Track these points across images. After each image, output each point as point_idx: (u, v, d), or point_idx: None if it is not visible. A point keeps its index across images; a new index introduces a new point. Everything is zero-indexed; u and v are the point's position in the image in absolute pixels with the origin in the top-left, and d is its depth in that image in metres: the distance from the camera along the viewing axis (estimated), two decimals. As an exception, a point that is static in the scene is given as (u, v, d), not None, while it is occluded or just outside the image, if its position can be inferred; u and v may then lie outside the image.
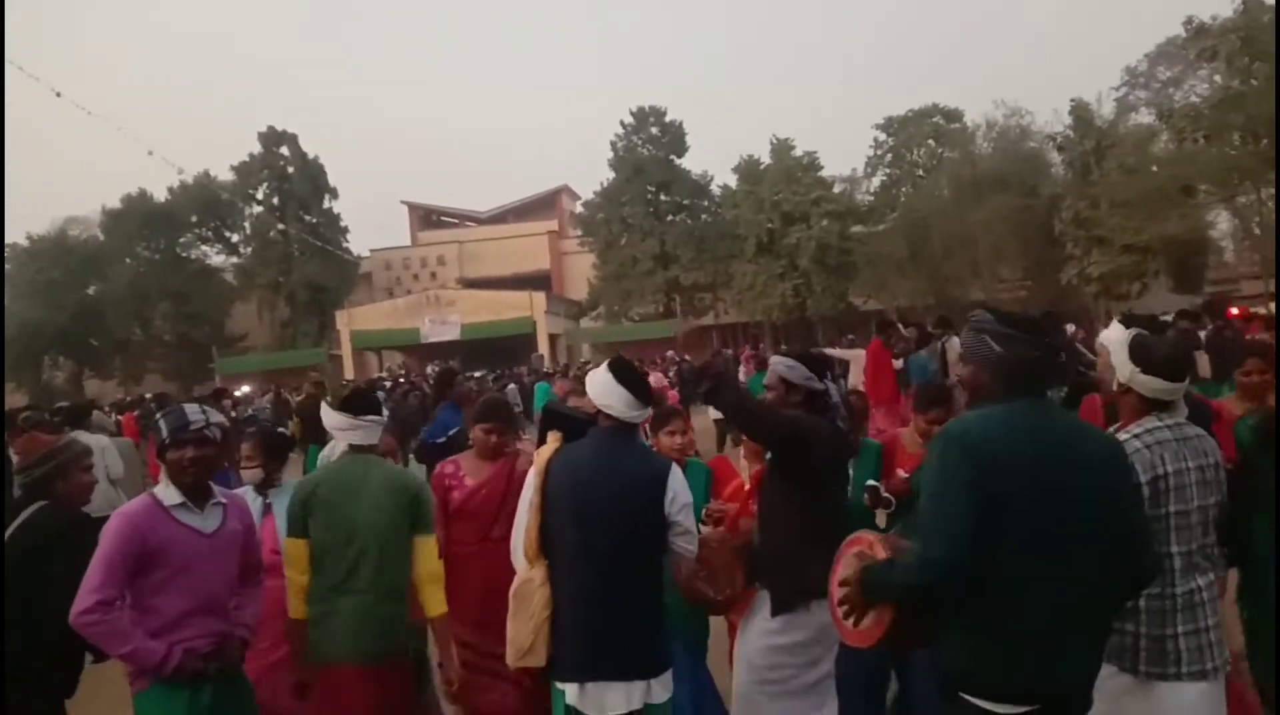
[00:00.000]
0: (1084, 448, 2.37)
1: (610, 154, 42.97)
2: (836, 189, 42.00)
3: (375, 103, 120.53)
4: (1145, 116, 33.06)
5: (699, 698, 3.95)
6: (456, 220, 58.73)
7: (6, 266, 38.15)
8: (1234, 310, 12.86)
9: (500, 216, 57.10)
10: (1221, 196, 29.21)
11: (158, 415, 3.25)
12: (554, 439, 3.32)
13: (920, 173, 42.83)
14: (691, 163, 43.22)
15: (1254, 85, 25.51)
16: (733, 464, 4.40)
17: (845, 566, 2.65)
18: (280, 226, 43.28)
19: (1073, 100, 36.33)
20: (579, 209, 48.63)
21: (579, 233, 46.53)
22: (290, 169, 44.53)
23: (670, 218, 42.73)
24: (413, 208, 56.47)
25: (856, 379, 11.15)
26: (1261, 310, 17.07)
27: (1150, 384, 2.83)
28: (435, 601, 3.53)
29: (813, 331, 37.91)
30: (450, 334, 37.90)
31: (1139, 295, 34.09)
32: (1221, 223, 36.11)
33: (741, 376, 16.82)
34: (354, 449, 3.59)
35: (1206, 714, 2.75)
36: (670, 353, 23.63)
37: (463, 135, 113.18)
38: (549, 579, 3.14)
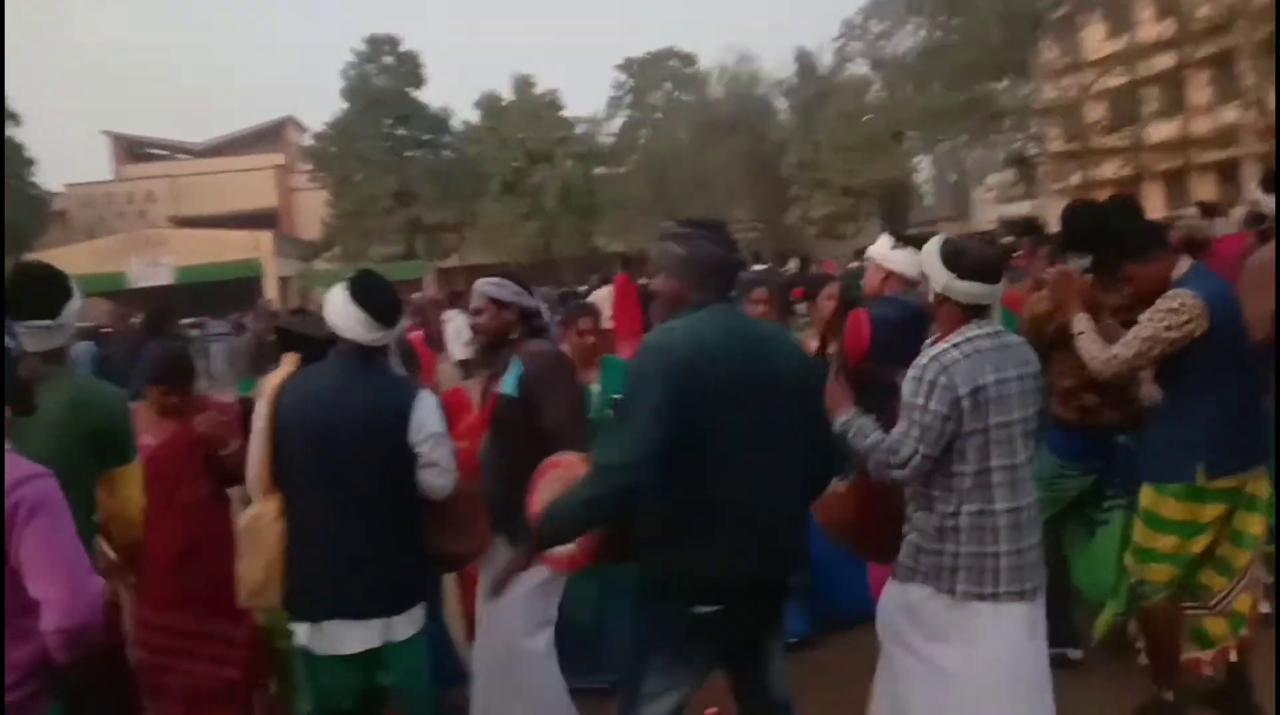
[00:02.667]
0: (770, 349, 2.51)
1: (342, 84, 40.56)
2: (579, 130, 42.13)
3: (68, 21, 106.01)
4: (861, 67, 35.64)
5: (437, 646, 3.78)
6: (167, 153, 53.33)
7: None
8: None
9: (217, 149, 52.40)
10: (926, 142, 32.05)
11: None
12: (289, 361, 3.07)
13: (659, 115, 43.80)
14: (430, 96, 41.72)
15: (954, 39, 27.98)
16: (468, 396, 4.09)
17: (546, 490, 2.63)
18: (-50, 156, 37.34)
19: (797, 48, 38.55)
20: (308, 142, 45.55)
21: (309, 167, 43.69)
22: (-40, 91, 38.40)
23: (410, 153, 41.04)
24: (116, 138, 50.47)
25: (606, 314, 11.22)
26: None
27: (968, 289, 2.71)
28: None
29: (558, 273, 38.04)
30: (163, 277, 34.49)
31: (854, 235, 36.98)
32: (924, 169, 39.93)
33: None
34: (30, 356, 2.84)
35: (1024, 634, 2.72)
36: (418, 295, 22.85)
37: (169, 60, 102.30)
38: (282, 513, 2.94)
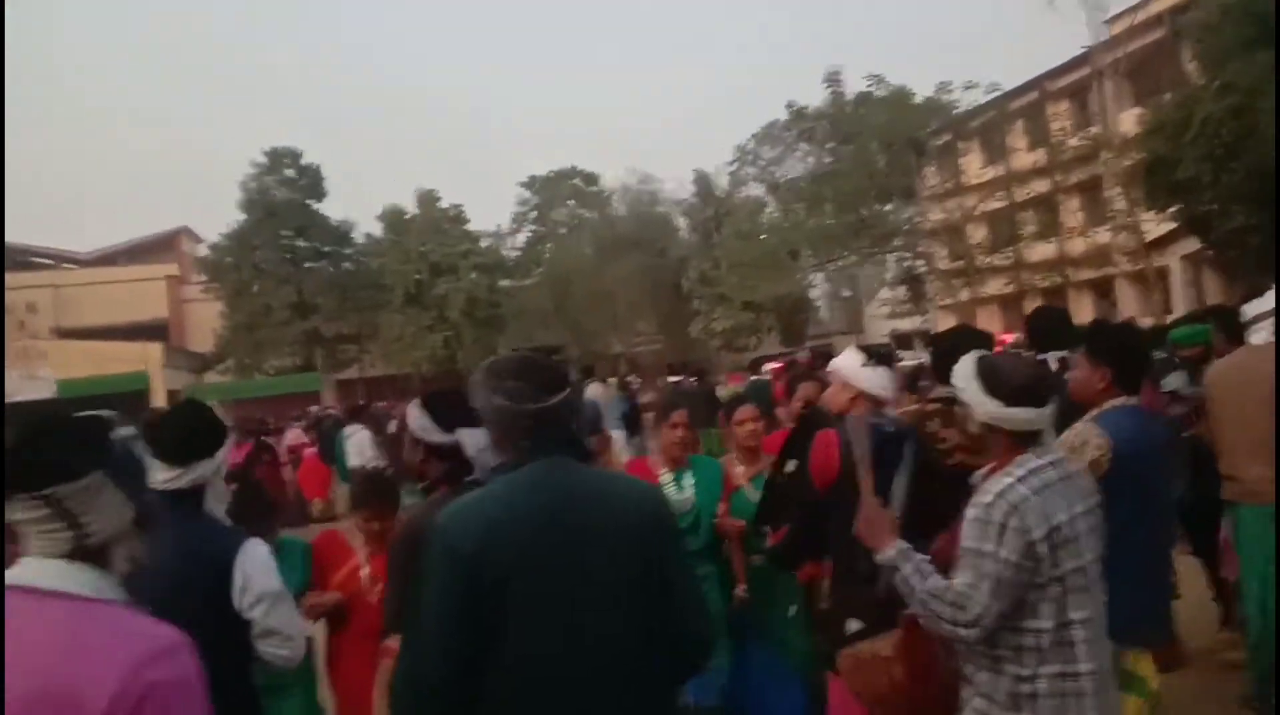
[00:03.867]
0: (598, 510, 1.97)
1: (240, 195, 40.14)
2: (483, 243, 42.56)
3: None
4: (755, 189, 37.27)
5: None
6: (52, 261, 51.38)
7: None
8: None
9: (108, 258, 50.75)
10: (819, 261, 33.29)
11: None
12: None
13: (563, 230, 44.67)
14: (331, 209, 41.56)
15: (842, 165, 29.46)
16: (346, 540, 3.61)
17: (381, 685, 2.24)
18: None
19: (695, 171, 40.22)
20: (203, 252, 44.68)
21: (204, 278, 42.71)
22: None
23: (308, 264, 40.56)
24: (-6, 245, 48.57)
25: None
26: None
27: (1019, 417, 2.34)
28: None
29: (463, 383, 37.64)
30: (43, 391, 32.68)
31: (755, 348, 37.84)
32: (819, 285, 41.38)
33: (392, 428, 16.18)
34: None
35: None
36: (314, 408, 22.22)
37: (60, 165, 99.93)
38: None
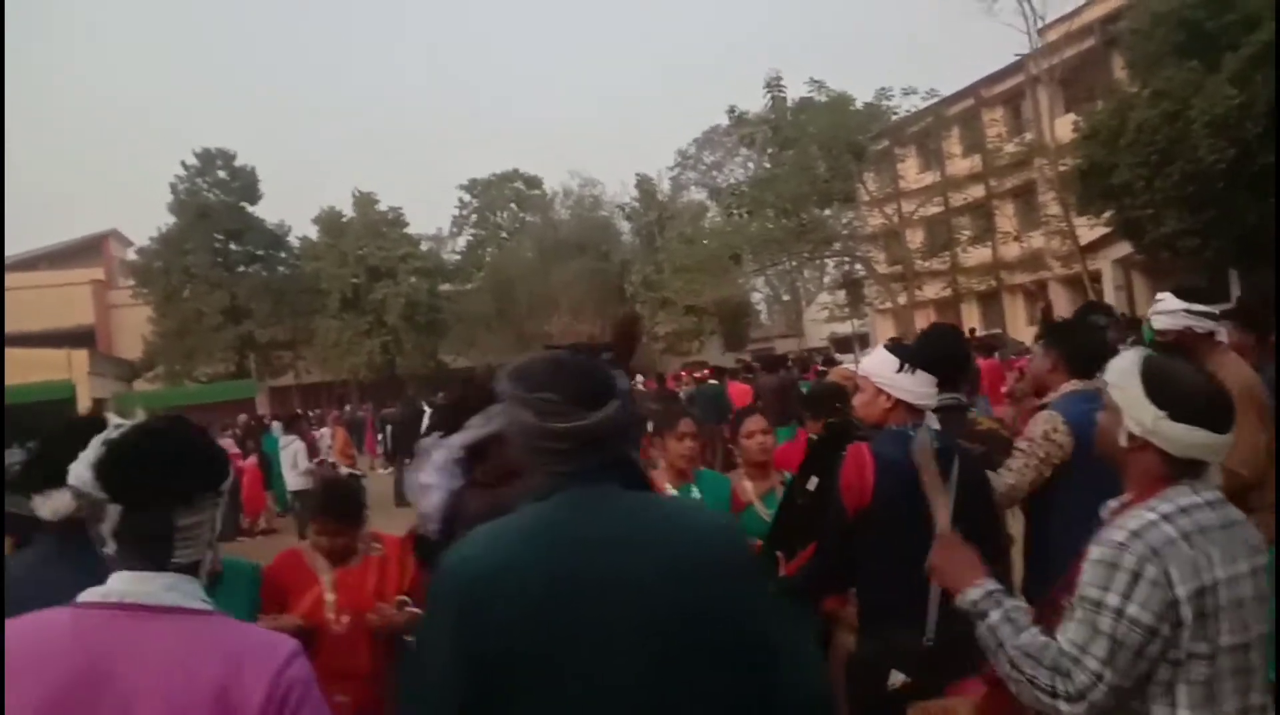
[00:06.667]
0: (648, 562, 1.54)
1: (170, 197, 39.06)
2: (423, 247, 42.07)
3: None
4: (697, 194, 37.40)
5: None
6: (-30, 266, 49.53)
7: None
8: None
9: (30, 262, 48.95)
10: (761, 265, 33.48)
11: None
12: None
13: (504, 234, 44.34)
14: (266, 211, 40.70)
15: (783, 169, 29.62)
16: (307, 561, 3.20)
17: None
18: None
19: (637, 175, 40.24)
20: (132, 256, 43.40)
21: (132, 283, 41.48)
22: None
23: (242, 269, 39.68)
24: (-94, 249, 46.53)
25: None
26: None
27: (1185, 438, 1.83)
28: None
29: (403, 389, 37.19)
30: (-39, 400, 31.41)
31: (698, 352, 37.94)
32: (761, 289, 41.68)
33: (328, 440, 15.78)
34: None
35: None
36: (243, 417, 21.63)
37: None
38: None
